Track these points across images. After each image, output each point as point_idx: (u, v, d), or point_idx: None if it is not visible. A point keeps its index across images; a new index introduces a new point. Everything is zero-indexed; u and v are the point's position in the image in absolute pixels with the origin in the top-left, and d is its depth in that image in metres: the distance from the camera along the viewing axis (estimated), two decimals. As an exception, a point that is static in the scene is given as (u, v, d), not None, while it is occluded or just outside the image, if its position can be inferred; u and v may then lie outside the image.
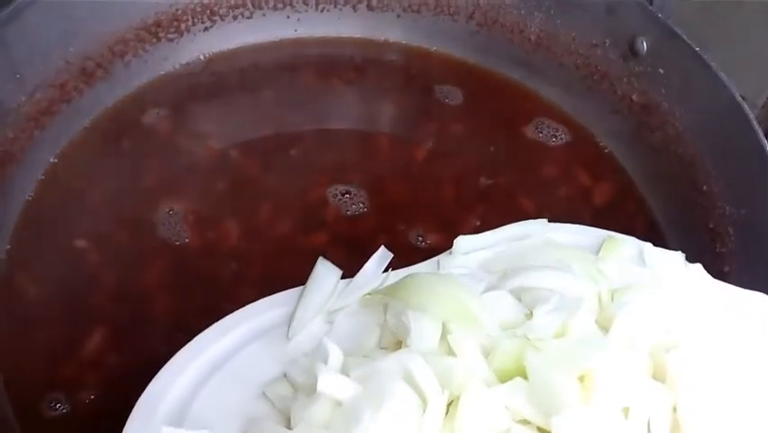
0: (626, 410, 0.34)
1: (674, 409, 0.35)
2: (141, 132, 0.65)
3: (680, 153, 0.63)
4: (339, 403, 0.35)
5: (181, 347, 0.44)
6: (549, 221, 0.50)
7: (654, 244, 0.52)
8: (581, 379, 0.35)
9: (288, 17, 0.73)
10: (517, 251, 0.44)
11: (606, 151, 0.69)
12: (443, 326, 0.37)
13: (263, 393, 0.40)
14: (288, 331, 0.42)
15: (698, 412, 0.34)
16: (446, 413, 0.34)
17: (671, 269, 0.43)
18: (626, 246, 0.45)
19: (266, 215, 0.60)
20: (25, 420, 0.48)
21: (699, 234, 0.60)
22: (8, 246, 0.56)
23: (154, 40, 0.68)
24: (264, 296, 0.48)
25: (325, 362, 0.37)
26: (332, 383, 0.35)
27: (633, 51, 0.65)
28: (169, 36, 0.69)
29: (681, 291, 0.41)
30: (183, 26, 0.69)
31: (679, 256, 0.45)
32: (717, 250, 0.58)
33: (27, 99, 0.59)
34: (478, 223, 0.61)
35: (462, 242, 0.45)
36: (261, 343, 0.42)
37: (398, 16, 0.74)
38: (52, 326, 0.53)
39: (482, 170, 0.65)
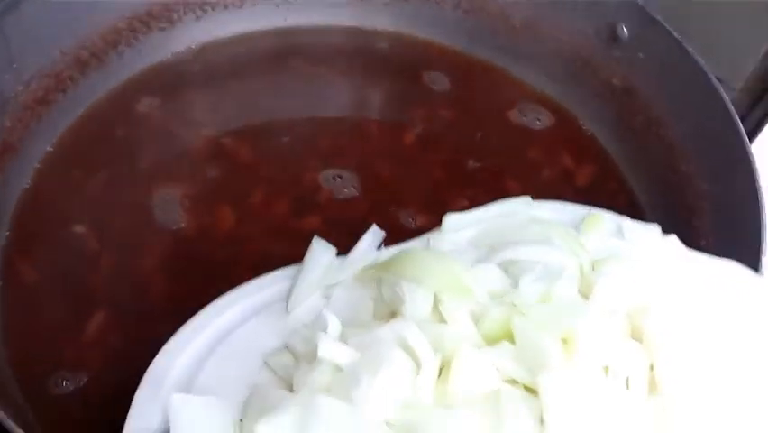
0: (606, 369, 0.37)
1: (651, 368, 0.37)
2: (135, 120, 0.66)
3: (660, 135, 0.66)
4: (339, 368, 0.37)
5: (180, 327, 0.46)
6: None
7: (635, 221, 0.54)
8: (564, 341, 0.37)
9: (278, 6, 0.74)
10: (503, 227, 0.46)
11: (589, 134, 0.71)
12: (435, 296, 0.39)
13: (265, 363, 0.42)
14: (287, 305, 0.44)
15: (673, 369, 0.37)
16: (439, 376, 0.37)
17: (647, 240, 0.45)
18: (606, 221, 0.47)
19: (259, 199, 0.62)
20: (33, 398, 0.50)
21: (677, 211, 0.62)
22: (7, 232, 0.57)
23: (146, 29, 0.69)
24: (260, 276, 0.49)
25: (325, 330, 0.39)
26: (332, 349, 0.37)
27: (614, 37, 0.67)
28: (161, 26, 0.70)
29: (657, 259, 0.43)
30: (175, 16, 0.70)
31: (655, 228, 0.47)
32: (694, 224, 0.60)
33: (24, 89, 0.60)
34: (466, 203, 0.63)
35: (451, 219, 0.47)
36: (262, 317, 0.44)
37: (386, 4, 0.75)
38: (54, 309, 0.54)
39: (470, 153, 0.67)
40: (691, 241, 0.55)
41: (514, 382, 0.36)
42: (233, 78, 0.72)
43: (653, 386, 0.37)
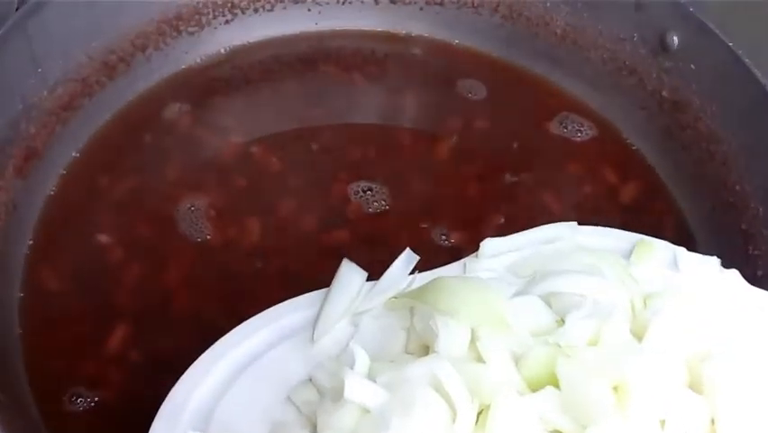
0: (662, 422, 0.34)
1: (712, 422, 0.34)
2: (163, 126, 0.65)
3: (711, 152, 0.62)
4: (366, 410, 0.35)
5: (203, 345, 0.44)
6: (577, 222, 0.49)
7: (684, 246, 0.51)
8: (616, 389, 0.34)
9: (309, 10, 0.72)
10: (546, 254, 0.43)
11: (633, 148, 0.67)
12: (472, 331, 0.37)
13: (288, 398, 0.39)
14: (313, 334, 0.41)
15: (737, 424, 0.34)
16: (476, 422, 0.34)
17: (705, 274, 0.42)
18: (659, 251, 0.44)
19: (287, 211, 0.60)
20: (47, 414, 0.48)
21: (730, 235, 0.58)
22: (30, 241, 0.56)
23: (175, 33, 0.67)
24: (286, 293, 0.47)
25: (352, 366, 0.36)
26: (359, 389, 0.35)
27: (663, 46, 0.64)
28: (190, 29, 0.68)
29: (717, 298, 0.40)
30: (204, 19, 0.69)
31: (714, 261, 0.44)
32: (750, 252, 0.56)
33: (49, 94, 0.59)
34: (502, 220, 0.60)
35: (489, 244, 0.44)
36: (286, 346, 0.41)
37: (421, 9, 0.73)
38: (75, 321, 0.53)
39: (506, 166, 0.64)
40: (746, 270, 0.51)
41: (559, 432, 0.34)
42: (263, 84, 0.70)
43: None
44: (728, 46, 0.59)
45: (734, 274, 0.43)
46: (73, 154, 0.61)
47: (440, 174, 0.64)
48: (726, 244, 0.58)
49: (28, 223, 0.57)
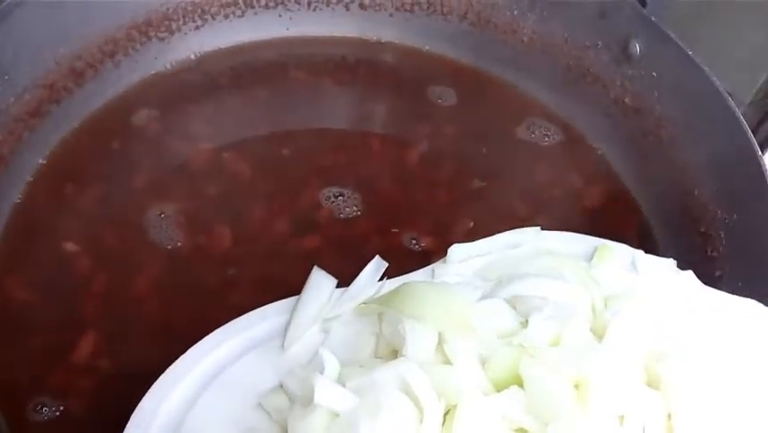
0: (621, 418, 0.35)
1: (669, 417, 0.35)
2: (132, 132, 0.64)
3: (672, 158, 0.64)
4: (336, 414, 0.35)
5: (173, 353, 0.44)
6: (543, 225, 0.50)
7: (646, 248, 0.52)
8: (577, 386, 0.35)
9: (280, 16, 0.72)
10: (511, 259, 0.44)
11: (598, 153, 0.69)
12: (439, 335, 0.37)
13: (259, 404, 0.39)
14: (284, 342, 0.42)
15: (692, 419, 0.35)
16: (443, 423, 0.35)
17: (662, 276, 0.43)
18: (619, 254, 0.45)
19: (258, 218, 0.60)
20: (12, 423, 0.48)
21: (690, 237, 0.60)
22: (-3, 250, 0.56)
23: (145, 39, 0.67)
24: (258, 300, 0.48)
25: (322, 372, 0.37)
26: (329, 394, 0.35)
27: (626, 54, 0.65)
28: (160, 35, 0.68)
29: (673, 299, 0.41)
30: (174, 25, 0.68)
31: (670, 263, 0.45)
32: (709, 254, 0.58)
33: (16, 100, 0.58)
34: (471, 225, 0.61)
35: (456, 250, 0.46)
36: (256, 353, 0.42)
37: (391, 15, 0.74)
38: (42, 330, 0.52)
39: (475, 171, 0.65)
40: (706, 271, 0.53)
41: (523, 431, 0.35)
42: (233, 90, 0.70)
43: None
44: (688, 54, 0.60)
45: (689, 276, 0.44)
46: (40, 161, 0.61)
47: (410, 180, 0.64)
48: (685, 246, 0.60)
49: (-6, 231, 0.56)
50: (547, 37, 0.70)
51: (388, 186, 0.63)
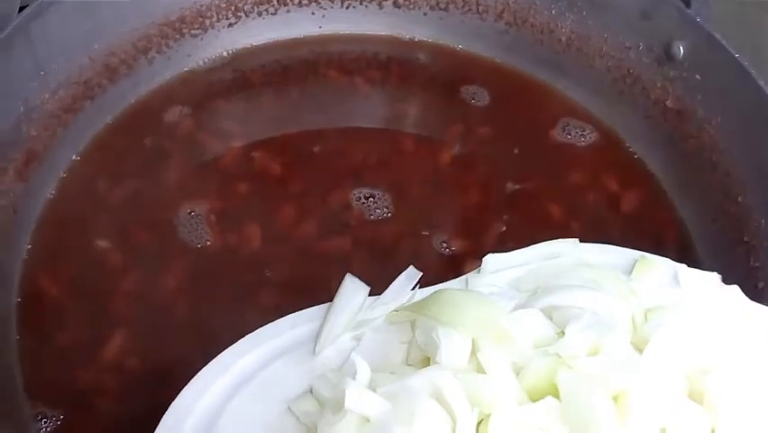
0: (662, 430, 0.34)
1: (712, 432, 0.34)
2: (164, 129, 0.64)
3: (714, 162, 0.62)
4: (366, 420, 0.34)
5: (201, 353, 0.44)
6: (576, 231, 0.50)
7: (685, 256, 0.51)
8: (616, 400, 0.34)
9: (313, 13, 0.72)
10: (548, 270, 0.43)
11: (635, 157, 0.67)
12: (473, 342, 0.36)
13: (288, 408, 0.39)
14: (315, 347, 0.41)
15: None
16: (477, 432, 0.34)
17: (706, 290, 0.42)
18: (660, 267, 0.44)
19: (289, 218, 0.59)
20: (42, 421, 0.48)
21: (732, 247, 0.58)
22: (29, 246, 0.56)
23: (178, 36, 0.67)
24: (286, 301, 0.48)
25: (353, 377, 0.36)
26: (360, 399, 0.35)
27: (668, 56, 0.63)
28: (193, 32, 0.68)
29: (717, 313, 0.39)
30: (207, 22, 0.68)
31: (715, 277, 0.44)
32: (752, 264, 0.56)
33: (50, 96, 0.59)
34: (503, 229, 0.60)
35: (492, 260, 0.44)
36: (288, 358, 0.41)
37: (425, 14, 0.72)
38: (73, 327, 0.53)
39: (508, 174, 0.64)
40: (748, 282, 0.52)
41: None
42: (266, 88, 0.70)
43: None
44: (734, 57, 0.58)
45: (734, 290, 0.42)
46: (73, 157, 0.61)
47: (442, 181, 0.63)
48: (727, 255, 0.58)
49: (27, 227, 0.57)
50: (586, 37, 0.68)
51: (419, 187, 0.62)
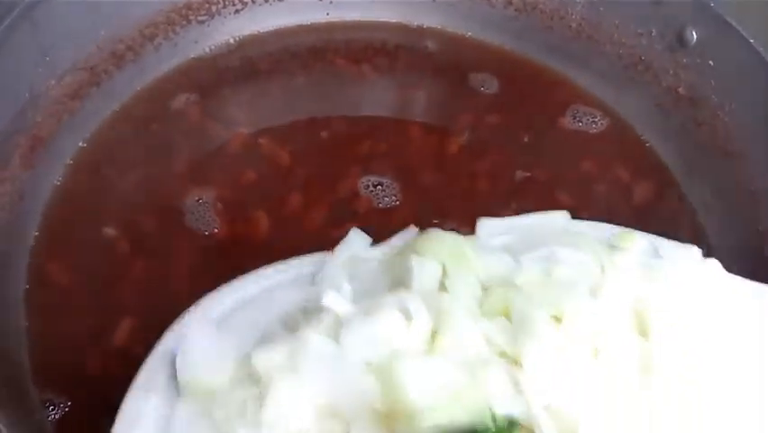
0: (595, 351, 0.37)
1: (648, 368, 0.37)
2: (171, 116, 0.64)
3: (728, 150, 0.61)
4: (339, 319, 0.39)
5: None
6: (588, 219, 0.50)
7: (698, 247, 0.50)
8: (557, 319, 0.38)
9: (321, 0, 0.71)
10: (536, 234, 0.45)
11: (647, 145, 0.66)
12: (444, 270, 0.40)
13: (280, 319, 0.43)
14: (314, 279, 0.45)
15: (672, 366, 0.37)
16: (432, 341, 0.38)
17: (685, 262, 0.43)
18: (641, 240, 0.45)
19: (296, 205, 0.59)
20: (49, 408, 0.48)
21: (747, 237, 0.57)
22: (36, 233, 0.56)
23: (184, 22, 0.67)
24: None
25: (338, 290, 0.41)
26: (335, 300, 0.40)
27: (681, 41, 0.62)
28: (200, 18, 0.67)
29: (692, 280, 0.41)
30: (214, 8, 0.68)
31: (695, 252, 0.45)
32: (766, 254, 0.55)
33: (56, 83, 0.58)
34: (514, 214, 0.59)
35: (485, 224, 0.47)
36: (288, 287, 0.46)
37: (434, 1, 0.72)
38: (80, 314, 0.52)
39: (518, 162, 0.63)
40: (762, 272, 0.51)
41: (506, 356, 0.37)
42: (273, 75, 0.69)
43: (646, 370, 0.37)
44: (749, 42, 0.57)
45: (713, 263, 0.43)
46: (80, 144, 0.61)
47: (451, 169, 0.63)
48: (741, 245, 0.57)
49: (34, 214, 0.57)
50: (596, 24, 0.68)
51: (427, 175, 0.62)
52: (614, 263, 0.42)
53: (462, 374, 0.36)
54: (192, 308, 0.45)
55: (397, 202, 0.60)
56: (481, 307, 0.39)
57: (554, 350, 0.36)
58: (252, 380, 0.40)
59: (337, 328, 0.39)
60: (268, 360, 0.39)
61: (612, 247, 0.44)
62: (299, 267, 0.47)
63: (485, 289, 0.40)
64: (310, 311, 0.42)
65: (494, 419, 0.35)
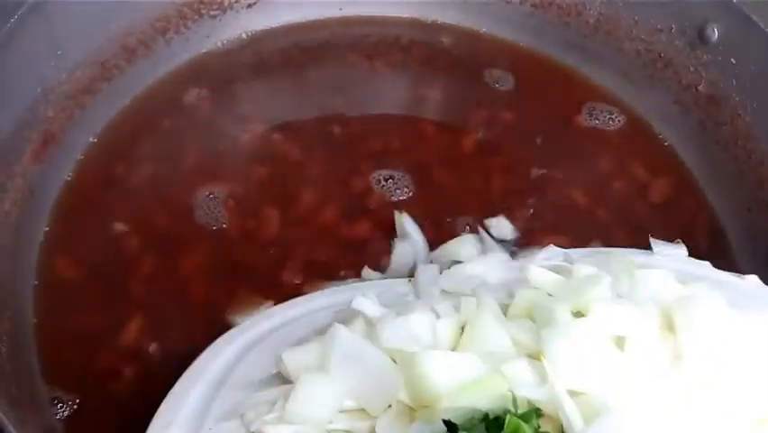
0: (618, 340, 0.38)
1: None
2: (182, 112, 0.63)
3: (749, 150, 0.60)
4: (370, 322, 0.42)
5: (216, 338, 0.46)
6: (605, 222, 0.55)
7: (716, 246, 0.50)
8: (576, 313, 0.39)
9: (334, -5, 0.70)
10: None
11: (665, 144, 0.65)
12: None
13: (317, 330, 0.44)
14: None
15: (697, 342, 0.37)
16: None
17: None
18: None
19: (308, 201, 0.58)
20: (58, 406, 0.48)
21: (766, 237, 0.56)
22: (46, 228, 0.55)
23: (196, 16, 0.66)
24: (306, 285, 0.52)
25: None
26: (365, 304, 0.43)
27: (702, 38, 0.61)
28: (212, 13, 0.67)
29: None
30: (226, 3, 0.67)
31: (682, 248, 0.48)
32: (787, 254, 0.54)
33: (67, 77, 0.58)
34: (527, 215, 0.59)
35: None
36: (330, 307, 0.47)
37: (449, -4, 0.71)
38: (90, 311, 0.52)
39: (533, 159, 0.62)
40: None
41: (530, 353, 0.38)
42: (285, 70, 0.68)
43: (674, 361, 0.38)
44: (772, 39, 0.56)
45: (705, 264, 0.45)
46: (90, 139, 0.60)
47: (465, 166, 0.62)
48: (762, 246, 0.56)
49: (44, 209, 0.56)
50: (615, 20, 0.66)
51: (441, 173, 0.61)
52: (640, 271, 0.42)
53: (486, 365, 0.37)
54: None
55: (410, 198, 0.59)
56: (507, 312, 0.41)
57: (576, 339, 0.37)
58: (283, 379, 0.41)
59: (367, 329, 0.41)
60: (298, 360, 0.40)
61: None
62: (339, 293, 0.48)
63: (511, 295, 0.42)
64: (343, 320, 0.44)
65: (516, 404, 0.35)
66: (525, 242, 0.57)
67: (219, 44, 0.67)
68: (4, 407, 0.40)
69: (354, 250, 0.56)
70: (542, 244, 0.56)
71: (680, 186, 0.62)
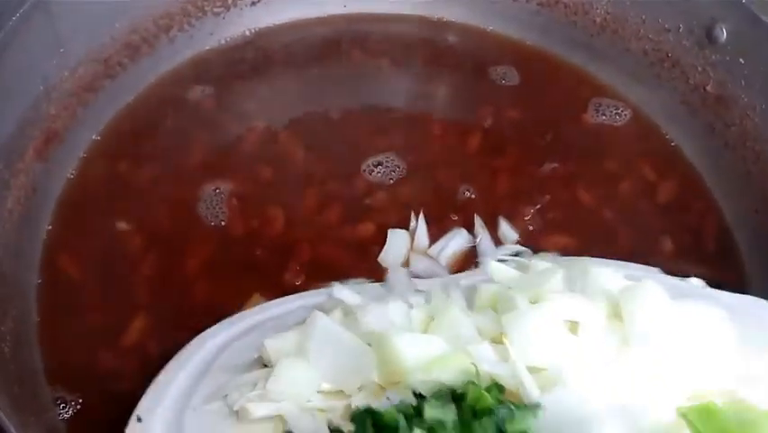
0: (571, 324, 0.41)
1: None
2: (186, 109, 0.63)
3: (757, 151, 0.59)
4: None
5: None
6: (611, 222, 0.54)
7: (725, 251, 0.49)
8: (534, 301, 0.43)
9: (338, -8, 0.70)
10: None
11: (673, 144, 0.64)
12: None
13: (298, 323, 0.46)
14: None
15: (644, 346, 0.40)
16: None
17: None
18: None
19: (311, 200, 0.58)
20: (61, 406, 0.47)
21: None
22: (49, 226, 0.55)
23: (200, 14, 0.65)
24: (309, 283, 0.53)
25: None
26: (344, 293, 0.47)
27: (710, 38, 0.60)
28: (216, 10, 0.66)
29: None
30: (230, 0, 0.66)
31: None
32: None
33: (70, 75, 0.57)
34: (534, 212, 0.58)
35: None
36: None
37: (455, -7, 0.70)
38: (93, 310, 0.52)
39: (538, 157, 0.62)
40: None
41: (493, 339, 0.42)
42: (288, 68, 0.68)
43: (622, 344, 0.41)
44: (782, 40, 0.55)
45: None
46: (93, 137, 0.60)
47: (470, 164, 0.61)
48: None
49: (47, 207, 0.56)
50: (622, 19, 0.66)
51: (446, 171, 0.61)
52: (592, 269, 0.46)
53: (452, 346, 0.41)
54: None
55: (416, 197, 0.58)
56: (476, 302, 0.45)
57: (533, 322, 0.41)
58: (265, 364, 0.44)
59: (344, 318, 0.45)
60: (279, 346, 0.43)
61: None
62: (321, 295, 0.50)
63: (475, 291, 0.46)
64: (322, 309, 0.46)
65: (479, 379, 0.39)
66: (530, 242, 0.56)
67: (223, 42, 0.67)
68: (7, 408, 0.40)
69: (357, 251, 0.55)
70: (547, 245, 0.56)
71: (687, 187, 0.62)
